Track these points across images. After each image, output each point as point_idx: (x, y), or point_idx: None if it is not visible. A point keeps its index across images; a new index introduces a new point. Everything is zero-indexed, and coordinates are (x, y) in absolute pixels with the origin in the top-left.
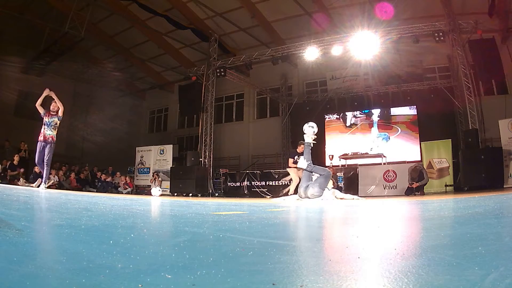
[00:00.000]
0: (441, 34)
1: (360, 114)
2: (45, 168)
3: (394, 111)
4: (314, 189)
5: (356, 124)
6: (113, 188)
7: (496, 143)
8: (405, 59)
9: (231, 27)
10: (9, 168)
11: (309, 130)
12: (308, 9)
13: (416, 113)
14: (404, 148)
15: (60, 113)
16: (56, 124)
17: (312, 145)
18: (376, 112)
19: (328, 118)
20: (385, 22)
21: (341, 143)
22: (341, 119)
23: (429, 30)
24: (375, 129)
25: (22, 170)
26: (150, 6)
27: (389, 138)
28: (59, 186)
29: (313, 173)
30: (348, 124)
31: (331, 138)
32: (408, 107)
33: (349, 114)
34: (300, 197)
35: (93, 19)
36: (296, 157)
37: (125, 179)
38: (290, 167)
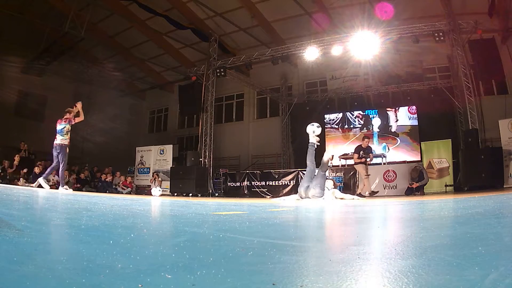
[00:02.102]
0: (441, 34)
1: (359, 122)
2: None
3: (393, 121)
4: (316, 190)
5: (356, 135)
6: (113, 188)
7: (496, 143)
8: (405, 59)
9: (231, 27)
10: (9, 167)
11: (313, 129)
12: (308, 9)
13: (417, 124)
14: (404, 156)
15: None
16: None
17: (316, 146)
18: (376, 123)
19: (328, 119)
20: (385, 22)
21: (341, 148)
22: (339, 129)
23: (429, 30)
24: (375, 139)
25: (25, 170)
26: (150, 6)
27: (388, 149)
28: (58, 186)
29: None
30: (349, 134)
31: (331, 143)
32: (408, 116)
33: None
34: (301, 197)
35: (93, 19)
36: (361, 152)
37: (126, 179)
38: (356, 163)
